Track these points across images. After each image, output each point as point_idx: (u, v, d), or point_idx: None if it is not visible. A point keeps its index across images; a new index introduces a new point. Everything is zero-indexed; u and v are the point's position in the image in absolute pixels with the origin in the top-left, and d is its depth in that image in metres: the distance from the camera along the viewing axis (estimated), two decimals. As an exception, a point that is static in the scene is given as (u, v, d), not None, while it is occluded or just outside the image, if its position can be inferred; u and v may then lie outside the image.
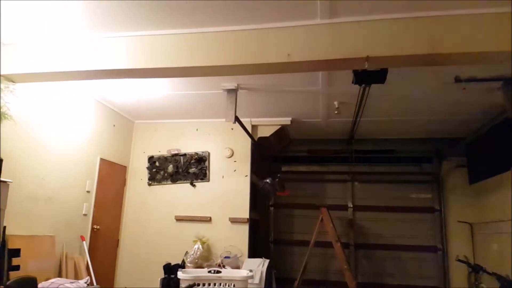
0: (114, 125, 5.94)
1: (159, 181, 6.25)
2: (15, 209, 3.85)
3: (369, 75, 3.34)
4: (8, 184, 3.18)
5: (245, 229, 5.66)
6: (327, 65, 3.29)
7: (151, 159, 6.35)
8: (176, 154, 6.27)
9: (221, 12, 3.15)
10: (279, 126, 5.98)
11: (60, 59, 3.70)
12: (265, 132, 6.01)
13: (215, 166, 6.08)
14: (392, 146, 6.88)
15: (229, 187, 5.88)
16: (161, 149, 6.35)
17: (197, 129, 6.30)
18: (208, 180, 6.04)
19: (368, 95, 4.23)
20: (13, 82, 3.82)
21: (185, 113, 5.97)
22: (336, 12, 3.06)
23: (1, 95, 3.50)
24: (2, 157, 3.32)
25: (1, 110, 3.42)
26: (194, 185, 6.08)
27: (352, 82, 3.50)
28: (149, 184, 6.28)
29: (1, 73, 3.70)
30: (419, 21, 3.00)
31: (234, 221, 5.72)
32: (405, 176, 6.82)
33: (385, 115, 5.59)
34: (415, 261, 6.57)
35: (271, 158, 7.28)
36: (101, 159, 5.57)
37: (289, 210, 7.17)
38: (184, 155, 6.22)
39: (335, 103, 4.99)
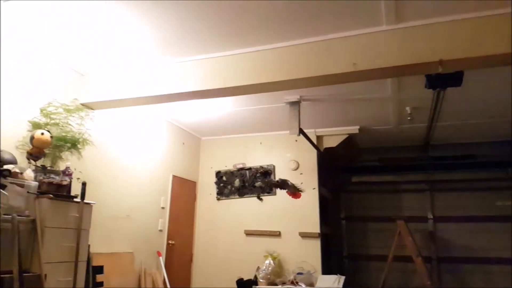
0: (183, 143, 6.29)
1: (227, 196, 6.46)
2: (97, 228, 4.22)
3: (443, 79, 3.21)
4: (92, 206, 3.51)
5: (316, 244, 5.63)
6: (397, 72, 3.23)
7: (218, 174, 6.60)
8: (241, 169, 6.45)
9: (283, 28, 3.24)
10: (346, 136, 5.90)
11: (133, 86, 4.04)
12: (331, 142, 5.97)
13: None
14: (473, 151, 6.44)
15: (297, 201, 5.89)
16: (227, 164, 6.57)
17: (260, 143, 6.43)
18: (275, 194, 6.12)
19: (443, 98, 4.04)
20: (92, 109, 4.25)
21: (249, 127, 6.14)
22: (402, 17, 3.01)
23: (83, 122, 3.89)
24: (86, 180, 3.69)
25: (84, 136, 3.79)
26: (261, 199, 6.19)
27: (425, 87, 3.39)
28: (218, 199, 6.51)
29: (81, 102, 4.13)
30: (494, 19, 2.84)
31: (304, 236, 5.71)
32: (490, 183, 6.33)
33: (463, 118, 5.27)
34: (509, 275, 6.03)
35: (340, 169, 7.17)
36: (174, 176, 5.91)
37: (363, 223, 6.99)
38: (250, 169, 6.38)
39: (407, 108, 4.83)
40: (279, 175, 6.15)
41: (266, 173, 6.24)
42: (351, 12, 2.99)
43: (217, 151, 6.74)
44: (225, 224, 6.31)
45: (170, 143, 5.91)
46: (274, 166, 6.22)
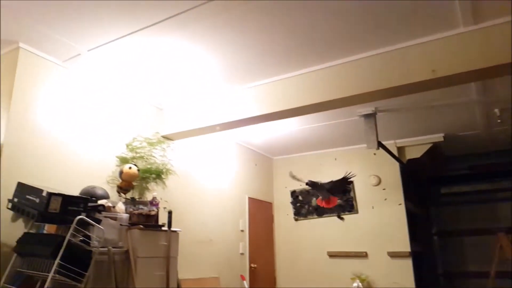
0: (255, 164, 6.43)
1: (305, 216, 6.43)
2: (183, 254, 4.42)
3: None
4: (178, 233, 3.72)
5: (407, 263, 5.35)
6: (480, 75, 3.05)
7: (293, 194, 6.61)
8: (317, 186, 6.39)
9: (353, 42, 3.24)
10: (431, 144, 5.61)
11: (206, 115, 4.28)
12: (414, 153, 5.71)
13: (361, 196, 5.99)
14: None
15: (382, 218, 5.69)
16: (302, 183, 6.55)
17: (335, 159, 6.34)
18: (357, 212, 5.96)
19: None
20: (172, 140, 4.55)
21: (321, 143, 6.11)
22: (480, 17, 2.86)
23: (165, 154, 4.17)
24: (170, 208, 3.93)
25: (166, 167, 4.06)
26: (342, 218, 6.06)
27: (516, 87, 3.14)
28: (296, 219, 6.51)
29: (162, 135, 4.45)
30: None
31: (394, 255, 5.47)
32: None
33: None
34: None
35: (427, 181, 6.81)
36: (249, 198, 6.05)
37: (457, 238, 6.52)
38: (328, 186, 6.30)
39: (496, 110, 4.50)
40: (358, 192, 6.00)
41: (345, 190, 6.12)
42: (424, 17, 2.90)
43: (291, 170, 6.76)
44: (306, 246, 6.26)
45: (243, 165, 6.08)
46: (352, 183, 6.09)
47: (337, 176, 6.13)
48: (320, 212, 6.28)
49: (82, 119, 3.66)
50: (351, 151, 6.20)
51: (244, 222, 5.83)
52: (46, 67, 3.40)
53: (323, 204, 4.84)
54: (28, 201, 2.67)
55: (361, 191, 5.99)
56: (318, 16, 2.87)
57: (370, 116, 4.60)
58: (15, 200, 2.78)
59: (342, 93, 3.47)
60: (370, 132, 4.59)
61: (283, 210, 6.65)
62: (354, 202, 6.02)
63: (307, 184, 4.75)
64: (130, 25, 2.96)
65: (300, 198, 6.54)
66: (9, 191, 2.84)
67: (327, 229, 6.15)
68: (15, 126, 3.09)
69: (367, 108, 4.53)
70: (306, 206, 6.44)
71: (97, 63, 3.54)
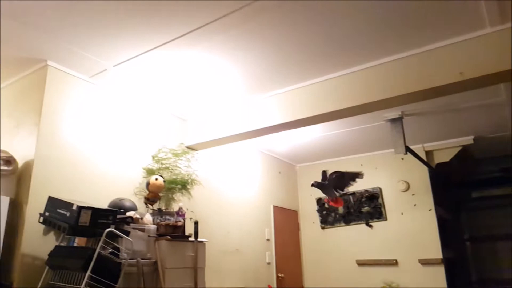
0: (279, 172, 6.42)
1: (332, 224, 6.36)
2: (210, 264, 4.42)
3: None
4: (205, 244, 3.74)
5: (440, 270, 5.20)
6: (509, 76, 2.95)
7: (319, 201, 6.55)
8: (344, 194, 6.30)
9: (377, 46, 3.22)
10: (460, 147, 5.48)
11: (228, 125, 4.32)
12: (443, 157, 5.58)
13: (390, 202, 5.88)
14: None
15: (412, 225, 5.56)
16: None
17: (361, 165, 6.25)
18: (386, 219, 5.86)
19: None
20: (196, 150, 4.60)
21: (346, 149, 6.05)
22: (507, 16, 2.79)
23: (189, 164, 4.22)
24: (196, 218, 3.96)
25: (191, 177, 4.11)
26: (370, 225, 5.98)
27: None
28: (322, 228, 6.44)
29: (186, 145, 4.51)
30: None
31: (425, 263, 5.33)
32: None
33: None
34: None
35: (457, 185, 6.63)
36: (274, 207, 6.03)
37: (491, 244, 6.31)
38: (353, 193, 6.22)
39: (528, 110, 4.36)
40: (387, 197, 5.90)
41: (372, 197, 6.03)
42: (449, 19, 2.85)
43: (315, 177, 6.66)
44: (334, 254, 6.19)
45: (267, 173, 6.07)
46: (380, 189, 5.99)
47: (363, 184, 6.09)
48: (347, 219, 6.20)
49: (109, 132, 3.75)
50: (378, 156, 6.12)
51: (270, 231, 5.82)
52: (73, 83, 3.51)
53: (331, 203, 4.68)
54: (59, 215, 2.75)
55: (390, 197, 5.88)
56: (340, 22, 2.87)
57: (397, 121, 4.53)
58: (47, 214, 2.87)
59: (367, 99, 3.44)
60: (397, 136, 4.52)
61: (309, 218, 6.60)
62: (382, 209, 5.92)
63: (312, 185, 4.50)
64: (153, 40, 3.04)
65: (326, 205, 6.48)
66: (41, 205, 2.93)
67: (355, 237, 6.06)
68: (44, 142, 3.19)
69: (394, 113, 4.46)
70: (333, 214, 6.37)
71: (122, 77, 3.63)
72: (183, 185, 3.99)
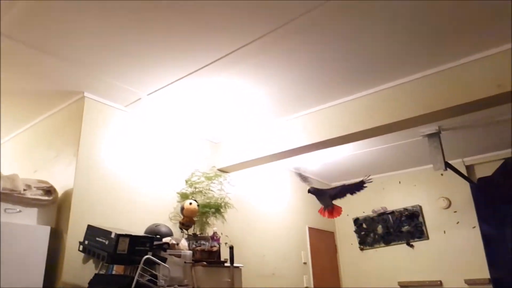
0: (313, 192, 6.34)
1: (371, 245, 6.20)
2: (247, 290, 4.44)
3: None
4: (241, 269, 3.73)
5: (489, 292, 4.97)
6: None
7: (356, 222, 6.42)
8: (383, 213, 6.17)
9: (410, 61, 3.19)
10: (503, 160, 5.26)
11: (258, 146, 4.36)
12: (484, 171, 5.38)
13: (431, 220, 5.70)
14: None
15: (456, 243, 5.35)
16: (365, 210, 6.37)
17: (399, 182, 6.12)
18: (427, 238, 5.67)
19: None
20: (227, 172, 4.64)
21: (382, 167, 5.94)
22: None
23: (222, 187, 4.26)
24: (230, 242, 3.97)
25: (225, 200, 4.14)
26: (411, 245, 5.79)
27: None
28: (361, 249, 6.29)
29: (218, 168, 4.56)
30: None
31: (472, 283, 5.10)
32: None
33: None
34: None
35: (501, 199, 6.32)
36: (309, 228, 5.96)
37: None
38: (392, 212, 6.07)
39: None
40: (428, 215, 5.73)
41: (412, 215, 5.86)
42: (484, 30, 2.80)
43: (351, 197, 6.57)
44: (374, 276, 6.01)
45: (300, 194, 6.02)
46: (420, 207, 5.82)
47: (401, 202, 5.93)
48: (387, 240, 6.03)
49: (144, 158, 3.86)
50: (416, 172, 5.97)
51: (306, 254, 5.73)
52: (109, 113, 3.66)
53: (325, 215, 4.24)
54: (98, 243, 2.82)
55: (431, 215, 5.70)
56: (371, 39, 2.86)
57: (434, 136, 4.43)
58: (86, 242, 2.95)
59: (402, 116, 3.38)
60: (436, 152, 4.40)
61: (347, 239, 6.47)
62: (423, 228, 5.74)
63: (309, 191, 4.21)
64: (184, 69, 3.15)
65: (364, 226, 6.34)
66: (80, 234, 3.02)
67: (396, 258, 5.88)
68: (83, 171, 3.32)
69: (430, 128, 4.37)
70: (372, 234, 6.22)
71: (156, 105, 3.76)
72: (217, 208, 4.02)
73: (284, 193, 5.73)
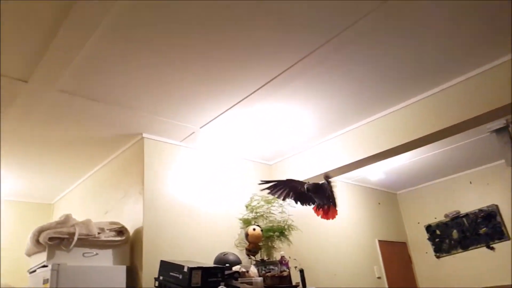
0: (379, 203, 6.21)
1: (448, 251, 5.93)
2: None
3: None
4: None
5: None
6: None
7: (429, 229, 6.18)
8: (456, 217, 5.90)
9: (470, 56, 3.10)
10: None
11: (312, 165, 4.39)
12: None
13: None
14: None
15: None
16: (436, 215, 6.12)
17: (470, 182, 5.84)
18: (509, 238, 5.34)
19: None
20: (287, 193, 4.67)
21: (450, 168, 5.73)
22: None
23: (283, 210, 4.28)
24: (300, 264, 3.98)
25: (287, 222, 4.16)
26: (492, 248, 5.48)
27: None
28: (437, 257, 6.03)
29: (277, 190, 4.61)
30: None
31: None
32: None
33: None
34: None
35: None
36: (379, 241, 5.81)
37: None
38: (466, 215, 5.78)
39: None
40: (506, 214, 5.41)
41: (489, 216, 5.55)
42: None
43: (419, 203, 6.39)
44: (454, 284, 5.76)
45: (365, 206, 5.92)
46: (496, 206, 5.50)
47: (475, 203, 5.64)
48: (464, 244, 5.76)
49: (204, 189, 4.00)
50: (487, 170, 5.68)
51: (379, 268, 5.58)
52: (167, 149, 3.85)
53: (319, 214, 3.67)
54: (172, 278, 2.95)
55: (510, 213, 5.36)
56: (427, 40, 2.81)
57: (503, 130, 4.21)
58: (161, 278, 3.09)
59: (468, 115, 3.24)
60: (506, 148, 4.18)
61: (421, 248, 6.23)
62: (503, 228, 5.41)
63: (307, 189, 3.52)
64: (232, 99, 3.31)
65: (437, 232, 6.09)
66: (154, 269, 3.17)
67: (476, 263, 5.58)
68: (150, 208, 3.51)
69: (498, 122, 4.15)
70: (447, 240, 5.96)
71: (208, 136, 3.92)
72: (281, 232, 4.05)
73: (347, 208, 5.65)
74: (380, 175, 5.73)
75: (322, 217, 3.65)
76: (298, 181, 3.67)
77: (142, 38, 2.47)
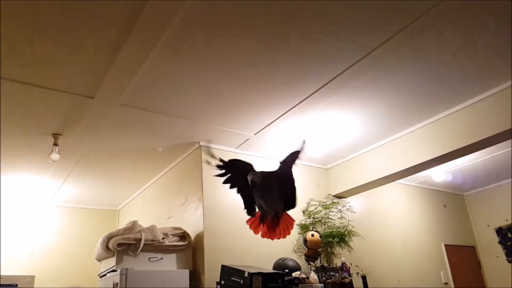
0: (444, 206, 5.95)
1: (522, 256, 5.54)
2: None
3: None
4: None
5: None
6: None
7: (500, 232, 5.78)
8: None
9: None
10: None
11: (372, 168, 4.29)
12: None
13: None
14: None
15: None
16: (508, 217, 5.74)
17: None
18: None
19: None
20: (344, 198, 4.60)
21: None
22: None
23: (342, 215, 4.23)
24: (362, 271, 3.90)
25: (348, 228, 4.09)
26: None
27: None
28: (510, 261, 5.63)
29: (333, 194, 4.55)
30: None
31: None
32: None
33: None
34: None
35: None
36: (446, 245, 5.58)
37: None
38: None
39: None
40: None
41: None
42: None
43: (490, 205, 6.03)
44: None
45: (429, 209, 5.69)
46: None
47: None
48: (540, 247, 5.34)
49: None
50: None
51: (446, 274, 5.35)
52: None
53: (258, 232, 2.58)
54: (234, 283, 3.03)
55: None
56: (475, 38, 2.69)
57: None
58: (222, 282, 3.18)
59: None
60: None
61: (491, 252, 5.87)
62: None
63: (252, 182, 2.47)
64: (284, 106, 3.36)
65: (509, 235, 5.69)
66: (216, 274, 3.27)
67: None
68: (209, 213, 3.63)
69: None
70: (520, 244, 5.57)
71: (262, 141, 3.99)
72: (341, 237, 4.00)
73: (411, 211, 5.47)
74: (446, 176, 5.49)
75: (264, 237, 2.54)
76: (246, 164, 2.49)
77: (200, 54, 2.59)
